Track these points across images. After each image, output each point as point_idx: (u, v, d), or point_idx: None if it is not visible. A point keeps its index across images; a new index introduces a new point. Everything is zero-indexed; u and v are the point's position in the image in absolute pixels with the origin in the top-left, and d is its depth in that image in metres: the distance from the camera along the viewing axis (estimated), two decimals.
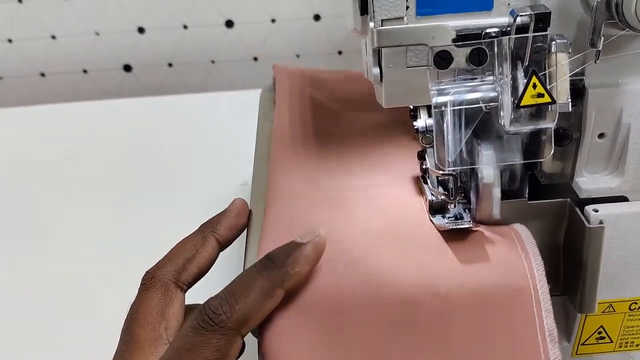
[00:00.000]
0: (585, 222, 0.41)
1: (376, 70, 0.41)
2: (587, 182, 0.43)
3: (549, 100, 0.37)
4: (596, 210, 0.42)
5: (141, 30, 0.95)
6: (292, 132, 0.54)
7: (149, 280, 0.41)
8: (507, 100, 0.38)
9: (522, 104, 0.37)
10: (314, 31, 0.95)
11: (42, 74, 0.98)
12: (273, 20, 0.94)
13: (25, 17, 0.93)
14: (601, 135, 0.42)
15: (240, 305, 0.36)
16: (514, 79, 0.38)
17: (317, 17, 0.94)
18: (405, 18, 0.39)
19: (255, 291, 0.37)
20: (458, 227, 0.42)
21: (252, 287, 0.37)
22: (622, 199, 0.43)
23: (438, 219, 0.43)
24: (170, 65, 0.98)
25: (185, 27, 0.95)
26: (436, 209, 0.44)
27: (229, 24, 0.95)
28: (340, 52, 0.96)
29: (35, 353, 0.58)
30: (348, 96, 0.60)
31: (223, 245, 0.44)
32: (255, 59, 0.97)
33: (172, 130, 0.86)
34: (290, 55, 0.96)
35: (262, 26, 0.95)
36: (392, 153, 0.52)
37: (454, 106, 0.39)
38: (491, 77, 0.39)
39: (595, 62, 0.38)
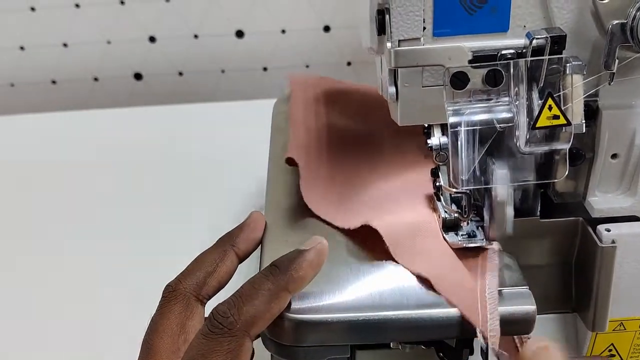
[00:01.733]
0: (598, 242, 0.42)
1: (392, 89, 0.41)
2: (600, 201, 0.43)
3: (565, 122, 0.37)
4: (608, 230, 0.42)
5: (152, 39, 0.95)
6: (307, 147, 0.55)
7: (171, 293, 0.41)
8: (522, 121, 0.38)
9: (537, 125, 0.37)
10: (324, 42, 0.95)
11: (54, 82, 0.99)
12: (283, 31, 0.95)
13: (37, 24, 0.94)
14: (614, 156, 0.42)
15: (247, 307, 0.37)
16: (529, 100, 0.38)
17: (327, 28, 0.94)
18: (422, 39, 0.39)
19: (261, 294, 0.38)
20: (471, 245, 0.42)
21: (259, 290, 0.38)
22: (634, 218, 0.43)
23: (451, 237, 0.44)
24: (180, 74, 0.98)
25: (196, 36, 0.95)
26: (449, 226, 0.44)
27: (240, 34, 0.95)
28: (349, 63, 0.97)
29: None
30: (363, 110, 0.60)
31: (242, 258, 0.44)
32: (265, 69, 0.98)
33: (181, 139, 0.86)
34: (300, 65, 0.97)
35: (272, 36, 0.95)
36: (405, 168, 0.52)
37: (469, 126, 0.39)
38: (507, 98, 0.39)
39: (610, 84, 0.39)
